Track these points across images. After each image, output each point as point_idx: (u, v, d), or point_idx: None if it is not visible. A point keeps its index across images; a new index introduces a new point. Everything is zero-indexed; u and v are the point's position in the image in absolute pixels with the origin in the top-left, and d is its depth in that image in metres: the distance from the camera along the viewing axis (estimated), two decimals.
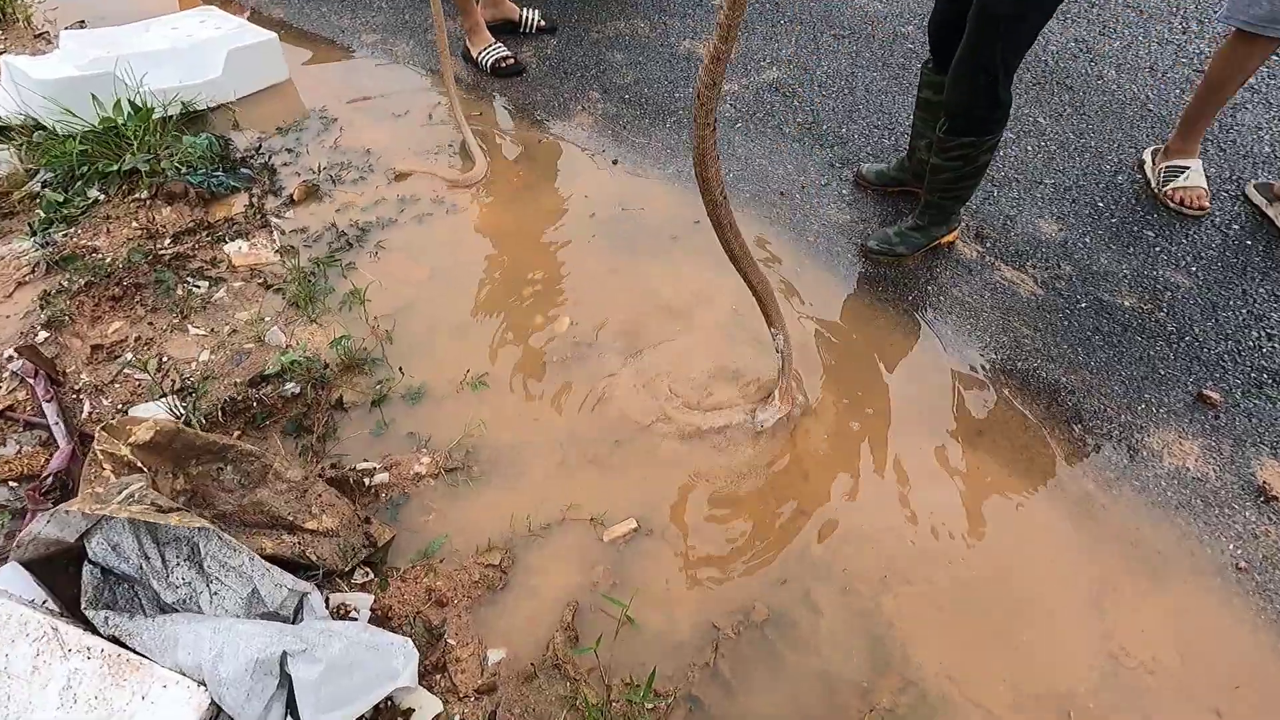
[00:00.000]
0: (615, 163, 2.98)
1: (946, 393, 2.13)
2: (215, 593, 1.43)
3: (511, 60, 3.49)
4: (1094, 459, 1.96)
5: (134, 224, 2.61)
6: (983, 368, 2.20)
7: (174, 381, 2.08)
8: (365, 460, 1.95)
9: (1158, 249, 2.51)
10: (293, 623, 1.46)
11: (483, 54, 3.51)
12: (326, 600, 1.57)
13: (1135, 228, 2.58)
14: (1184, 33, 3.50)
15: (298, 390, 2.07)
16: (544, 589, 1.71)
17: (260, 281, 2.47)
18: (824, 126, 3.10)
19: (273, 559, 1.58)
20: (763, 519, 1.84)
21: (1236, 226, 2.56)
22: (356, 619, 1.59)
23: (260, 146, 3.06)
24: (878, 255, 2.51)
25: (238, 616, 1.41)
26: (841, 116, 3.15)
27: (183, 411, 1.96)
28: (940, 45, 2.26)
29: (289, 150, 3.07)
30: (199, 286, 2.40)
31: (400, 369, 2.18)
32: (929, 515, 1.85)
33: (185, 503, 1.64)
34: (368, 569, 1.70)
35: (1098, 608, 1.67)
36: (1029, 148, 2.95)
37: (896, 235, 2.49)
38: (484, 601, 1.68)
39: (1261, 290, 2.35)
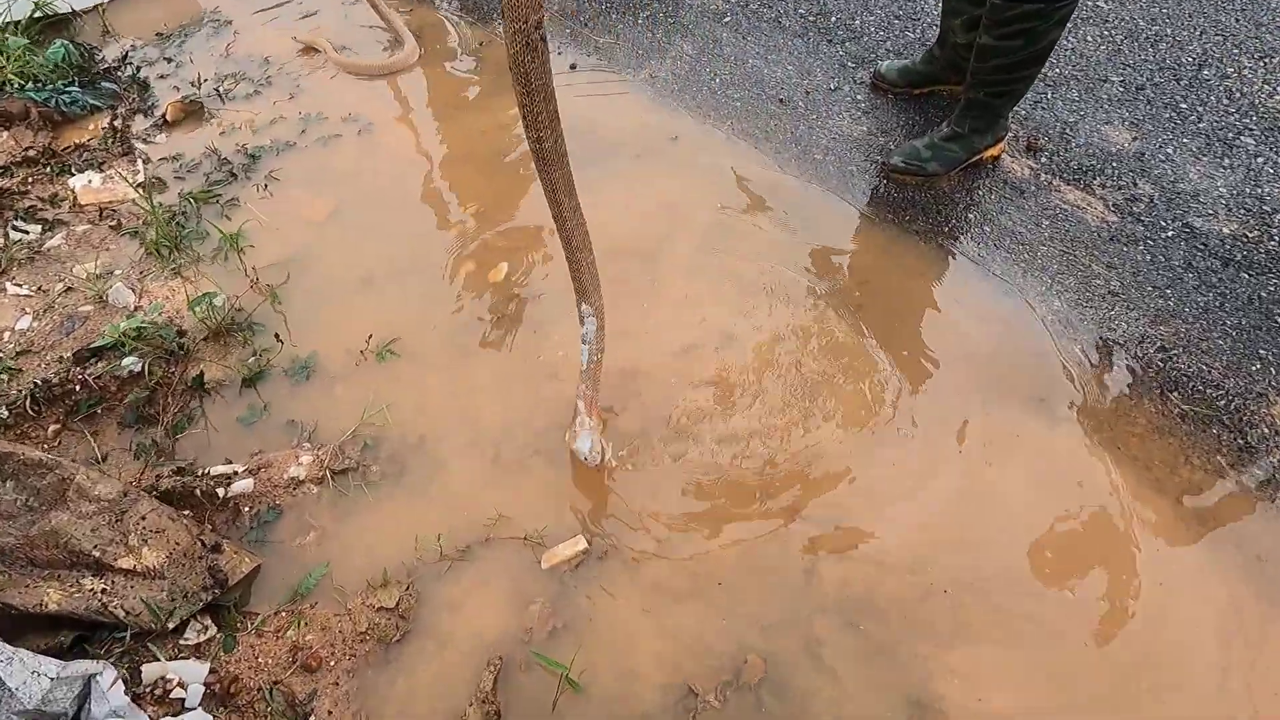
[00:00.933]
0: (573, 67, 2.39)
1: (994, 350, 1.63)
2: None
3: None
4: (1197, 441, 1.48)
5: None
6: (1042, 317, 1.69)
7: None
8: (226, 461, 1.46)
9: (1260, 159, 1.96)
10: None
11: None
12: (130, 679, 1.10)
13: (1229, 134, 2.03)
14: None
15: (139, 368, 1.56)
16: (457, 640, 1.24)
17: (112, 224, 1.92)
18: (832, 18, 2.50)
19: (56, 618, 1.11)
20: (757, 531, 1.37)
21: None
22: (185, 700, 1.12)
23: (129, 56, 2.46)
24: (904, 173, 1.96)
25: None
26: (854, 5, 2.54)
27: None
28: None
29: (168, 59, 2.47)
30: (27, 232, 1.86)
31: (278, 336, 1.66)
32: (979, 519, 1.37)
33: None
34: (208, 621, 1.22)
35: (1224, 646, 1.22)
36: (1089, 37, 2.35)
37: (927, 148, 1.94)
38: (372, 662, 1.21)
39: None
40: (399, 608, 1.25)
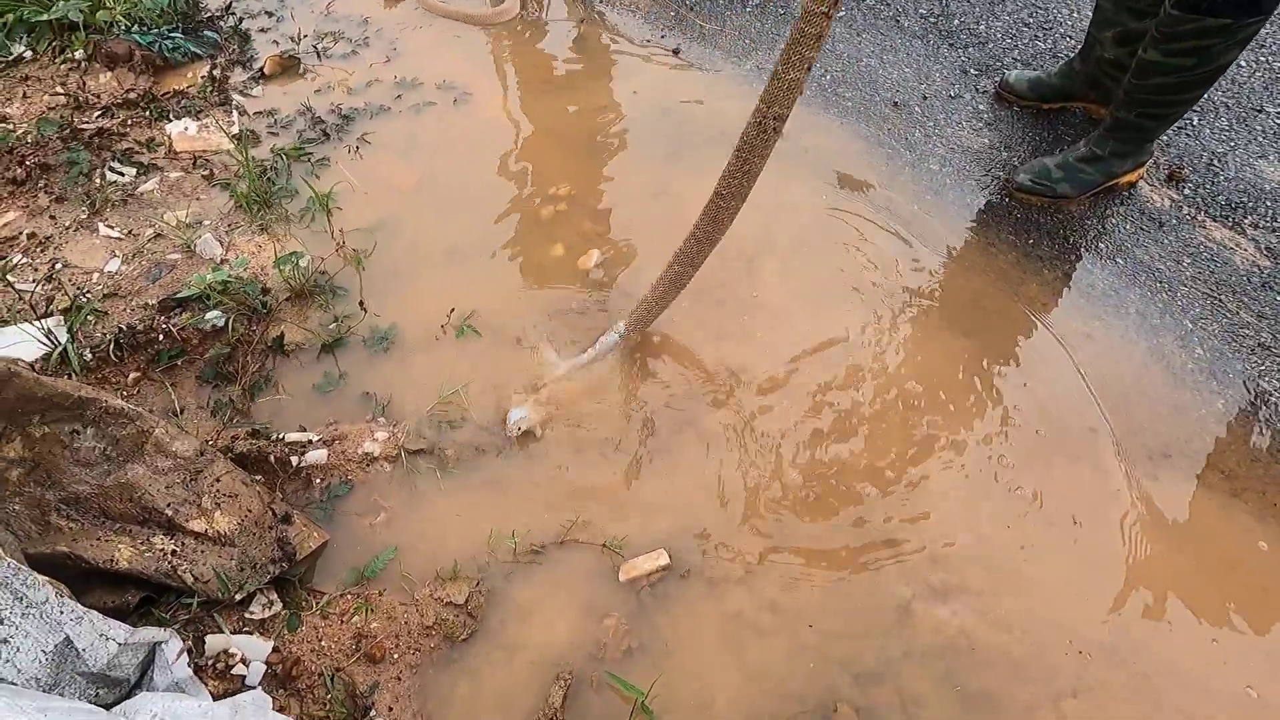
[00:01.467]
0: (676, 52, 2.29)
1: (1122, 394, 1.48)
2: (3, 640, 0.91)
3: None
4: None
5: (59, 90, 2.05)
6: (1179, 363, 1.53)
7: (60, 298, 1.55)
8: (300, 429, 1.41)
9: None
10: (130, 693, 0.95)
11: None
12: (193, 649, 1.05)
13: None
14: None
15: (222, 323, 1.52)
16: (526, 648, 1.17)
17: (204, 173, 1.90)
18: (955, 20, 2.34)
19: (124, 576, 1.06)
20: (853, 568, 1.26)
21: None
22: (245, 678, 1.07)
23: (232, 6, 2.44)
24: (1030, 193, 1.81)
25: (35, 683, 0.90)
26: (980, 7, 2.37)
27: (60, 341, 1.43)
28: None
29: (269, 14, 2.45)
30: (122, 174, 1.85)
31: (363, 303, 1.61)
32: (1115, 583, 1.23)
33: (20, 478, 1.13)
34: (273, 596, 1.17)
35: None
36: (1243, 63, 2.15)
37: (1059, 168, 1.78)
38: (437, 660, 1.15)
39: None
40: (468, 605, 1.18)
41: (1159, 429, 1.44)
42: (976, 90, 2.13)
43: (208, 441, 1.29)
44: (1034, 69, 2.12)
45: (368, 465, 1.36)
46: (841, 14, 2.38)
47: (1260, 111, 2.01)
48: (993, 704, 1.12)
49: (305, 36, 2.32)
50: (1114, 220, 1.79)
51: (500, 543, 1.27)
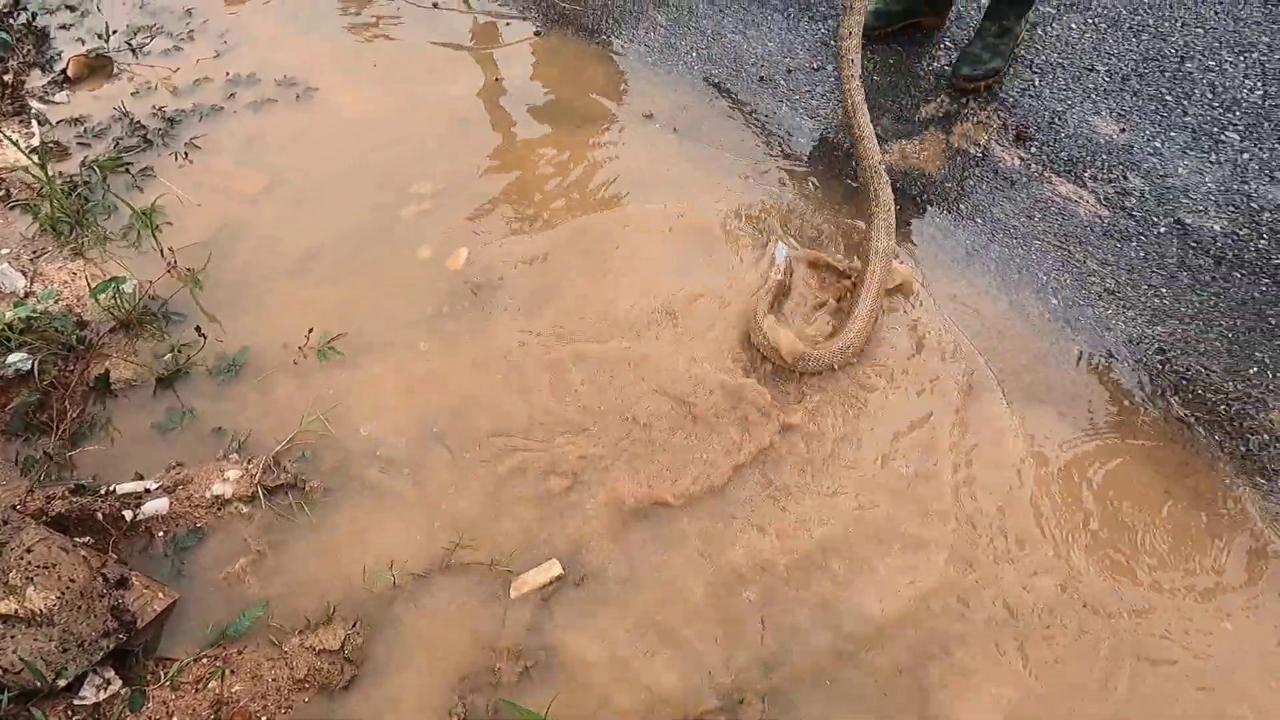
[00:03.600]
0: (538, 34, 2.20)
1: (989, 344, 1.54)
2: None
3: None
4: (1201, 447, 1.42)
5: None
6: (1038, 314, 1.61)
7: None
8: (136, 477, 1.25)
9: (1247, 155, 1.92)
10: None
11: None
12: None
13: (1214, 129, 1.99)
14: None
15: (28, 366, 1.32)
16: (414, 685, 1.08)
17: (0, 194, 1.65)
18: None
19: None
20: (762, 549, 1.24)
21: None
22: None
23: (23, 1, 2.14)
24: (978, 79, 1.98)
25: None
26: None
27: None
28: None
29: (71, 8, 2.16)
30: None
31: (199, 329, 1.44)
32: (977, 540, 1.28)
33: None
34: (110, 674, 1.03)
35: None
36: (1073, 25, 2.28)
37: (985, 49, 1.97)
38: (313, 716, 1.04)
39: None
40: (345, 649, 1.08)
41: (1023, 378, 1.51)
42: (832, 60, 2.16)
43: (13, 506, 1.12)
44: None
45: (219, 509, 1.22)
46: None
47: (1091, 70, 2.14)
48: (876, 666, 1.13)
49: (116, 32, 2.06)
50: (971, 182, 1.86)
51: (378, 577, 1.17)
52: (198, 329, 1.43)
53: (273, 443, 1.31)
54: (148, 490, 1.21)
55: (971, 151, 1.93)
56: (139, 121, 1.85)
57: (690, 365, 1.43)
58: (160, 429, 1.33)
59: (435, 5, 2.27)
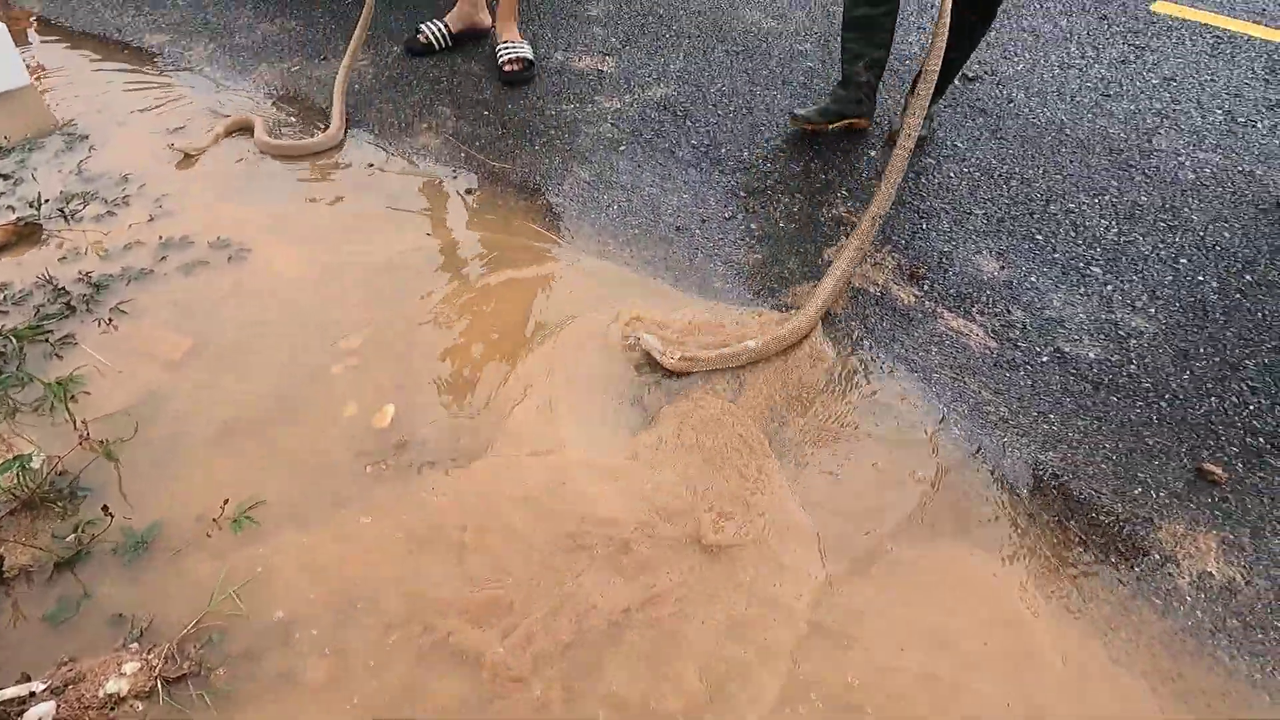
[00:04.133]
0: (469, 192, 2.34)
1: (893, 476, 1.63)
2: None
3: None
4: (1097, 567, 1.50)
5: None
6: (939, 444, 1.71)
7: None
8: (23, 678, 1.17)
9: (1109, 287, 2.16)
10: None
11: (506, 49, 2.88)
12: None
13: (1080, 264, 2.23)
14: (1081, 57, 3.34)
15: None
16: None
17: None
18: (723, 149, 2.62)
19: None
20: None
21: (1185, 261, 2.26)
22: None
23: None
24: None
25: None
26: (742, 139, 2.67)
27: None
28: None
29: (5, 176, 2.21)
30: None
31: (106, 507, 1.40)
32: (864, 650, 1.30)
33: None
34: None
35: None
36: (951, 173, 2.58)
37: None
38: None
39: (1228, 333, 2.03)
40: None
41: (927, 508, 1.58)
42: (748, 210, 2.37)
43: None
44: (816, 104, 2.62)
45: (112, 709, 1.14)
46: (623, 149, 2.59)
47: (970, 214, 2.40)
48: None
49: (49, 201, 2.11)
50: (873, 320, 2.02)
51: None
52: (104, 507, 1.39)
53: (178, 627, 1.25)
54: (32, 694, 1.13)
55: (871, 291, 2.10)
56: (63, 287, 1.86)
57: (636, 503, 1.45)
58: (52, 620, 1.26)
59: (371, 166, 2.41)
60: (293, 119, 2.60)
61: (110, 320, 1.80)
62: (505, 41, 2.91)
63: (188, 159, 2.25)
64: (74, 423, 1.55)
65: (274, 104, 2.68)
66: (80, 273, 1.91)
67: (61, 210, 2.09)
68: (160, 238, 2.05)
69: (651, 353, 1.77)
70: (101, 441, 1.51)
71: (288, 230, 2.12)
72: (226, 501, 1.42)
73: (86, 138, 2.41)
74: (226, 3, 3.30)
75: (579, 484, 1.52)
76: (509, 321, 1.89)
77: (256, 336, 1.80)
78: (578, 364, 1.79)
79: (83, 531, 1.36)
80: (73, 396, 1.58)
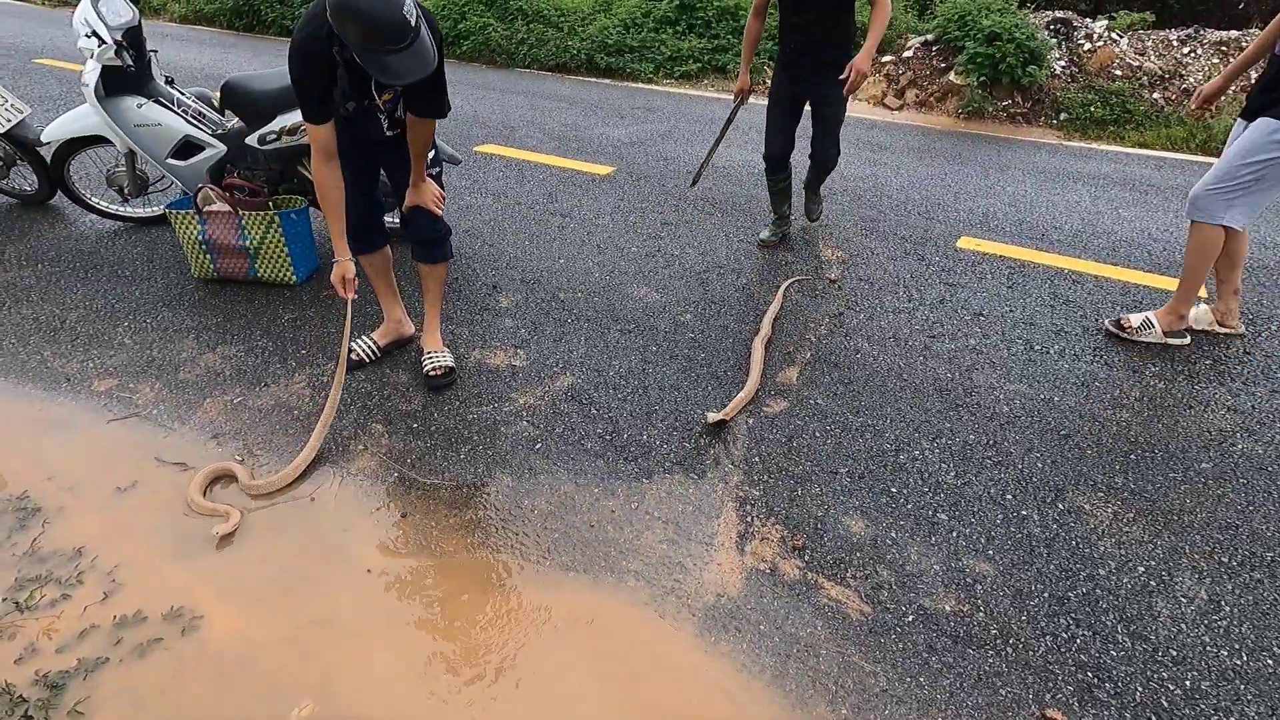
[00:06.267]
0: (404, 516, 2.64)
1: None
2: None
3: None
4: None
5: None
6: None
7: None
8: None
9: (954, 534, 2.59)
10: None
11: (431, 358, 3.36)
12: None
13: (929, 512, 2.68)
14: (908, 300, 4.10)
15: None
16: None
17: None
18: (625, 435, 3.05)
19: None
20: None
21: (1010, 496, 2.76)
22: None
23: None
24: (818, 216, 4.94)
25: None
26: (640, 421, 3.13)
27: None
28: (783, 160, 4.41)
29: None
30: None
31: None
32: None
33: None
34: None
35: None
36: (817, 433, 3.08)
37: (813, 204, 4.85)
38: None
39: (1052, 567, 2.47)
40: None
41: None
42: (650, 496, 2.74)
43: None
44: (778, 227, 4.68)
45: None
46: (539, 446, 2.98)
47: (836, 474, 2.86)
48: None
49: (4, 600, 2.26)
50: (766, 599, 2.35)
51: None
52: None
53: None
54: None
55: (761, 569, 2.45)
56: (21, 695, 1.98)
57: None
58: None
59: (312, 499, 2.69)
60: (238, 456, 2.89)
61: None
62: (429, 352, 3.37)
63: (225, 539, 2.49)
64: None
65: (215, 440, 2.97)
66: (36, 673, 2.04)
67: (17, 602, 2.24)
68: (115, 617, 2.20)
69: None
70: None
71: (236, 589, 2.32)
72: None
73: (39, 510, 2.60)
74: (170, 334, 3.68)
75: None
76: (468, 669, 2.11)
77: (210, 712, 1.95)
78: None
79: None
80: None
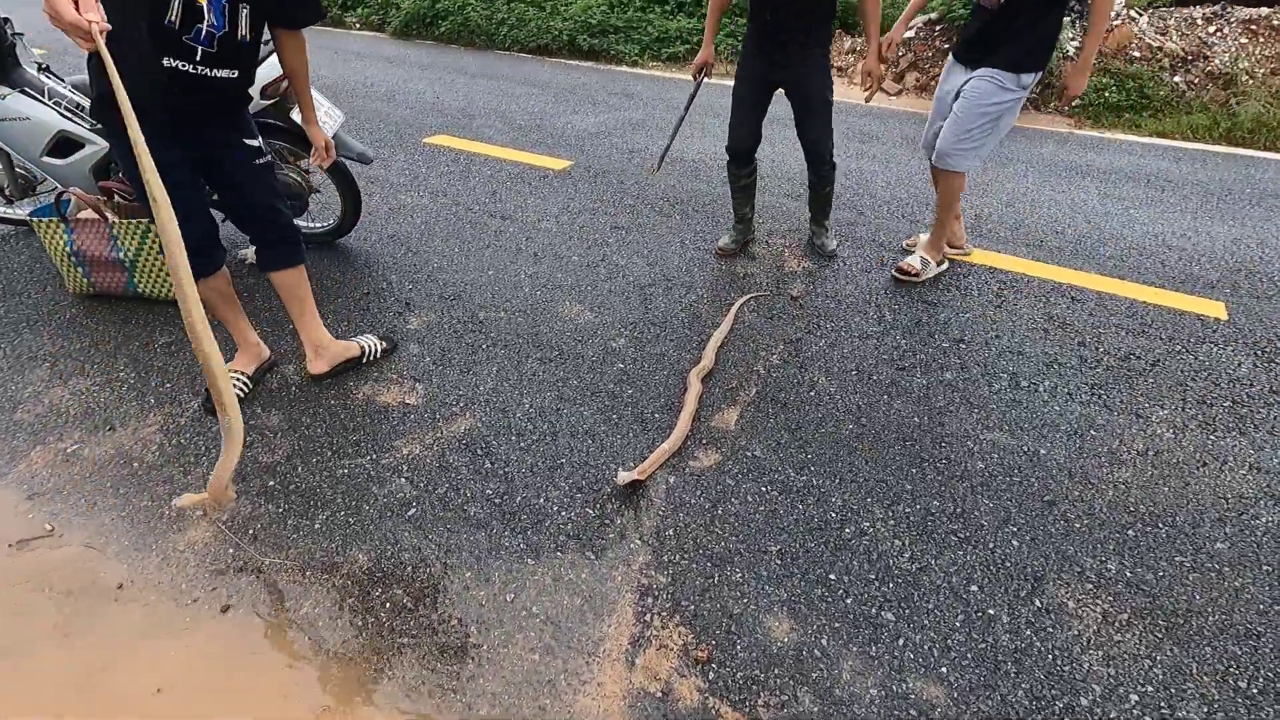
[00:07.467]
0: (225, 610, 2.16)
1: None
2: None
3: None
4: None
5: None
6: None
7: None
8: None
9: (901, 641, 2.08)
10: None
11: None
12: None
13: (872, 609, 2.16)
14: (879, 323, 3.55)
15: None
16: None
17: None
18: (518, 498, 2.54)
19: None
20: None
21: (976, 588, 2.23)
22: None
23: None
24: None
25: None
26: (540, 478, 2.62)
27: None
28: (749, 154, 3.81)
29: None
30: None
31: None
32: None
33: None
34: None
35: None
36: (749, 496, 2.56)
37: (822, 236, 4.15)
38: None
39: (1020, 693, 1.95)
40: None
41: None
42: (533, 579, 2.24)
43: None
44: (734, 233, 4.11)
45: None
46: (412, 512, 2.48)
47: (765, 553, 2.34)
48: None
49: None
50: None
51: None
52: None
53: None
54: None
55: (652, 690, 1.95)
56: None
57: None
58: None
59: (121, 588, 2.21)
60: (48, 525, 2.42)
61: None
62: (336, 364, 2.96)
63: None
64: None
65: (30, 501, 2.50)
66: None
67: None
68: None
69: None
70: None
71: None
72: None
73: None
74: (23, 362, 3.21)
75: None
76: None
77: None
78: None
79: None
80: None
